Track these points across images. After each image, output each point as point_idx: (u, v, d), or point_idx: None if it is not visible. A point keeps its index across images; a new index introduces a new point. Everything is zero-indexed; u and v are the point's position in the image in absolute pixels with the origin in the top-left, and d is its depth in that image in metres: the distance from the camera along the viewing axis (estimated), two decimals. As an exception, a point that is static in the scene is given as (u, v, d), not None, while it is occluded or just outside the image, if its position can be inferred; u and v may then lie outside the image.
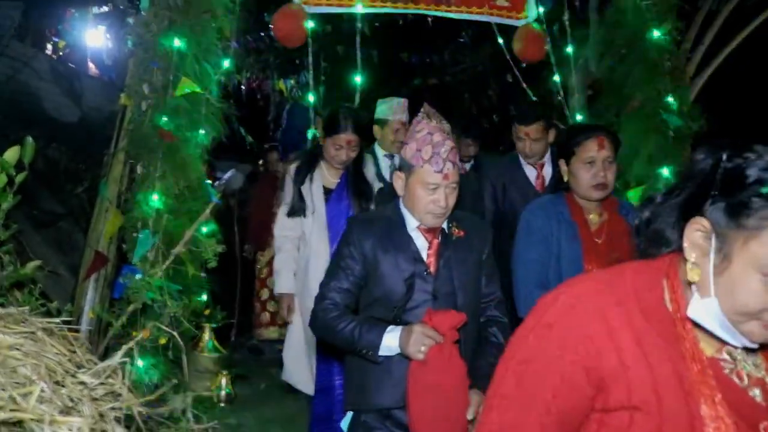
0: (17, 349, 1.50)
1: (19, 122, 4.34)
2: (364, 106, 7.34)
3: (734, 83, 5.12)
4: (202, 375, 3.99)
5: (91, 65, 7.01)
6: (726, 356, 1.11)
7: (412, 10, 3.88)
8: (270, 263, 5.49)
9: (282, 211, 3.38)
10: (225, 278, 5.68)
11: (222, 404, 3.90)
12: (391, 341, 2.05)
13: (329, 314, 2.16)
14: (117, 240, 3.65)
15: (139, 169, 3.54)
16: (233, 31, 3.82)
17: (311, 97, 4.35)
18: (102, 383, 1.71)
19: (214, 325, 4.09)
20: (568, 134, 2.55)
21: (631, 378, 1.06)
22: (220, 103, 3.68)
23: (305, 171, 3.36)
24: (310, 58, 3.96)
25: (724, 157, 1.07)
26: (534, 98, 4.40)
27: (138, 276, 2.90)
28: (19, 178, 2.24)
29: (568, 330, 1.12)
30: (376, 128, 3.84)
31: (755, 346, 1.06)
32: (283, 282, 3.35)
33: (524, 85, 4.28)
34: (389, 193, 2.76)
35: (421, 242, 2.21)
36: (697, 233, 1.06)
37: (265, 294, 5.61)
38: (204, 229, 3.25)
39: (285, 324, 5.49)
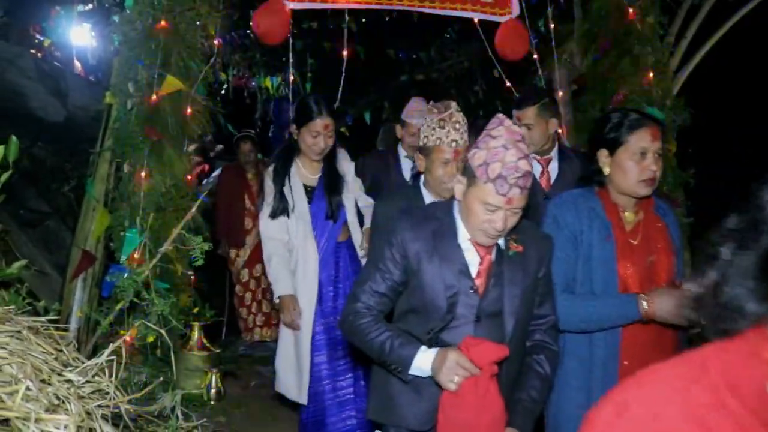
0: (2, 348, 1.50)
1: (4, 121, 4.32)
2: (350, 103, 7.41)
3: (717, 76, 5.16)
4: (192, 373, 3.99)
5: (77, 64, 6.96)
6: None
7: (395, 6, 3.89)
8: (248, 264, 5.44)
9: (264, 213, 3.21)
10: (215, 276, 5.68)
11: (212, 402, 3.91)
12: (423, 363, 1.88)
13: (361, 319, 1.97)
14: (105, 239, 3.65)
15: (125, 168, 3.55)
16: (218, 28, 3.82)
17: (290, 94, 4.29)
18: (89, 381, 1.73)
19: (203, 323, 4.11)
20: (603, 121, 2.27)
21: None
22: (206, 101, 3.69)
23: (282, 170, 3.19)
24: (291, 57, 3.95)
25: None
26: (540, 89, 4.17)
27: (125, 274, 2.90)
28: (4, 177, 2.24)
29: None
30: (398, 127, 3.79)
31: None
32: (282, 285, 3.14)
33: (508, 84, 4.29)
34: (411, 194, 2.62)
35: (471, 256, 1.97)
36: None
37: (248, 298, 5.45)
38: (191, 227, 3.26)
39: (265, 326, 5.50)
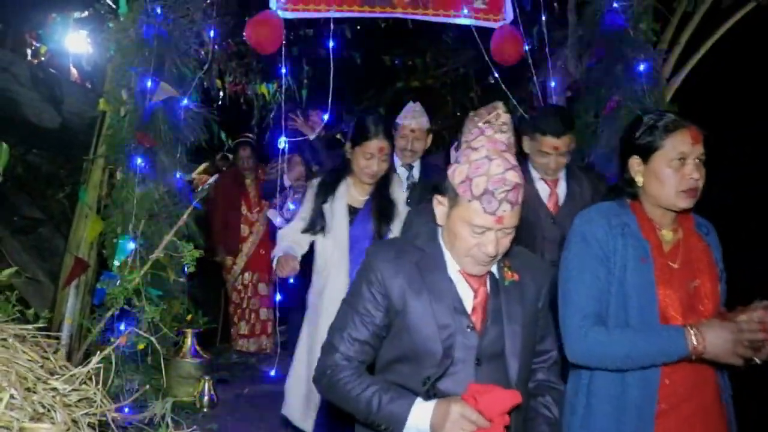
0: (-14, 356, 1.49)
1: (-1, 128, 4.33)
2: (347, 111, 7.41)
3: (710, 83, 5.18)
4: (185, 380, 4.00)
5: (73, 70, 6.97)
6: None
7: (388, 14, 3.89)
8: (243, 271, 5.41)
9: (295, 226, 3.00)
10: (211, 283, 5.67)
11: (205, 409, 3.91)
12: (420, 419, 1.59)
13: (340, 373, 1.70)
14: (97, 246, 3.65)
15: (118, 175, 3.55)
16: (211, 35, 3.83)
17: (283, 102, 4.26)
18: (75, 389, 1.72)
19: (196, 331, 4.11)
20: (634, 124, 2.00)
21: None
22: (200, 107, 3.69)
23: (330, 187, 2.98)
24: (283, 69, 3.94)
25: None
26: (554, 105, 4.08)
27: (117, 281, 2.90)
28: (-5, 184, 2.23)
29: None
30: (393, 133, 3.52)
31: None
32: (280, 249, 2.92)
33: (504, 88, 4.30)
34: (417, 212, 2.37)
35: (464, 289, 1.72)
36: None
37: (243, 305, 5.40)
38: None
39: (261, 334, 5.45)
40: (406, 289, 1.70)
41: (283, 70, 3.95)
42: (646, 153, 1.93)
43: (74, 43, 6.98)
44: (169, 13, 3.60)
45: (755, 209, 5.74)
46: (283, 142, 3.87)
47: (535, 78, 4.38)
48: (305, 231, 2.95)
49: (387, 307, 1.72)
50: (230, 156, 7.06)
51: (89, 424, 1.66)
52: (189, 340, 4.04)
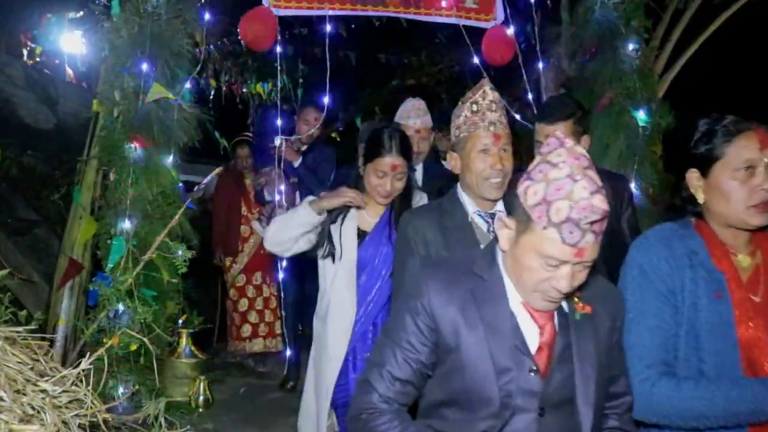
0: (-25, 359, 1.51)
1: (-6, 130, 4.34)
2: (343, 109, 7.43)
3: (702, 79, 5.20)
4: (180, 380, 4.01)
5: (68, 71, 6.98)
6: None
7: (381, 12, 3.90)
8: (243, 270, 5.41)
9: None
10: (205, 283, 5.67)
11: (200, 409, 3.92)
12: None
13: (379, 418, 1.47)
14: (92, 247, 3.66)
15: (111, 176, 3.55)
16: (204, 35, 3.83)
17: (279, 101, 4.23)
18: (66, 391, 1.73)
19: (191, 331, 4.12)
20: (687, 132, 1.66)
21: None
22: (193, 107, 3.69)
23: (340, 208, 2.69)
24: (278, 64, 3.94)
25: None
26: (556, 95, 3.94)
27: (109, 283, 2.91)
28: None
29: None
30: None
31: None
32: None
33: (492, 86, 4.31)
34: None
35: (527, 325, 1.45)
36: None
37: (244, 304, 5.35)
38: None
39: (268, 336, 5.44)
40: (460, 321, 1.45)
41: (279, 67, 3.92)
42: (705, 164, 1.62)
43: (69, 43, 6.99)
44: (162, 14, 3.60)
45: None
46: (279, 140, 3.88)
47: (527, 76, 4.40)
48: (312, 251, 2.71)
49: (435, 342, 1.47)
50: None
51: (80, 426, 1.67)
52: (184, 341, 4.05)
